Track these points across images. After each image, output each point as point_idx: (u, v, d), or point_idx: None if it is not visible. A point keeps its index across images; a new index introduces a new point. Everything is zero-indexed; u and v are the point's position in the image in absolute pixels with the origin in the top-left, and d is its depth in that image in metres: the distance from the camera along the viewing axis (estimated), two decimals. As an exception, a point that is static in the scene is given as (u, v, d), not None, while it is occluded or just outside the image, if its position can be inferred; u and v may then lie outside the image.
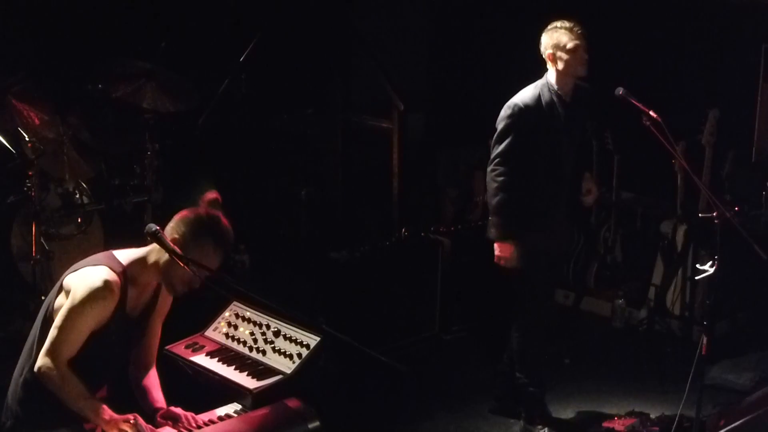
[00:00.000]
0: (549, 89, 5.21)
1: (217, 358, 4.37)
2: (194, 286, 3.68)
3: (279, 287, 7.09)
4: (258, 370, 4.25)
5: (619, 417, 5.45)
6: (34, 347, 3.66)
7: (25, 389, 3.69)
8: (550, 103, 5.20)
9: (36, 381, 3.60)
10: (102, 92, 6.77)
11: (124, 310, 3.67)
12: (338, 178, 8.26)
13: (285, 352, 4.32)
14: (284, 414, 3.77)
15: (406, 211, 7.66)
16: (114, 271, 3.61)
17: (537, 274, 5.37)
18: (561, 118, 5.21)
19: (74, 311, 3.55)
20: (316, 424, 3.75)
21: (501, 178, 5.19)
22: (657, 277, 6.97)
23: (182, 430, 3.71)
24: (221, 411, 3.90)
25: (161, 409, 3.82)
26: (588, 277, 7.35)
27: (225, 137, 7.98)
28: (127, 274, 3.65)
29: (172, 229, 3.64)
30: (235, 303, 4.63)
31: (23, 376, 3.69)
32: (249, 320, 4.53)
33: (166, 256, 3.62)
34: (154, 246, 3.65)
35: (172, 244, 3.58)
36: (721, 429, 4.90)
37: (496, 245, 5.31)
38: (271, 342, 4.39)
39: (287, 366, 4.25)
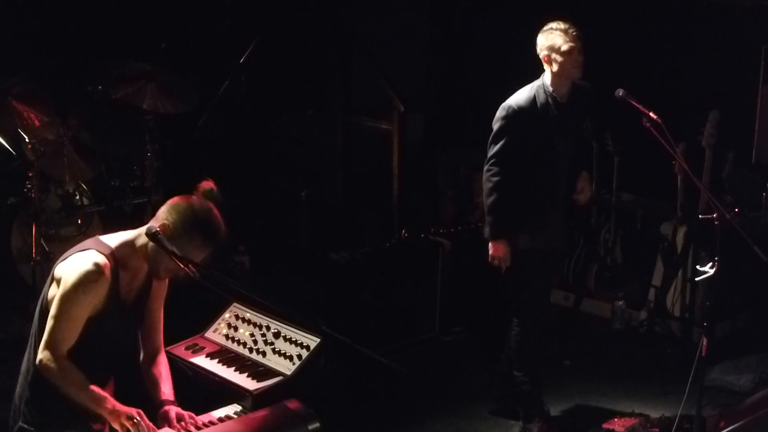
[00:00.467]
0: (544, 90, 5.23)
1: (217, 360, 4.37)
2: (178, 274, 3.63)
3: (279, 288, 7.09)
4: (258, 371, 4.25)
5: (620, 418, 5.45)
6: (35, 344, 3.64)
7: (31, 389, 3.67)
8: (545, 104, 5.22)
9: (41, 379, 3.58)
10: (102, 93, 6.77)
11: (118, 295, 3.64)
12: (338, 179, 8.26)
13: (285, 353, 4.32)
14: (284, 415, 3.76)
15: (406, 213, 7.66)
16: (102, 254, 3.58)
17: (534, 274, 5.38)
18: (555, 119, 5.23)
19: (67, 298, 3.53)
20: (316, 425, 3.74)
21: (495, 179, 5.23)
22: (657, 279, 6.97)
23: (182, 431, 3.70)
24: (221, 412, 3.90)
25: (167, 401, 3.77)
26: (588, 278, 7.35)
27: (225, 138, 7.98)
28: (116, 256, 3.61)
29: (162, 214, 3.59)
30: (235, 304, 4.62)
31: (29, 376, 3.68)
32: (249, 321, 4.53)
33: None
34: (142, 228, 3.62)
35: (162, 232, 3.54)
36: (721, 430, 4.90)
37: (490, 244, 5.35)
38: (271, 343, 4.39)
39: (287, 367, 4.25)
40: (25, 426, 3.68)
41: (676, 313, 6.83)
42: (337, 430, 4.11)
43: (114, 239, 3.68)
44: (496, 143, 5.25)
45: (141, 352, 3.91)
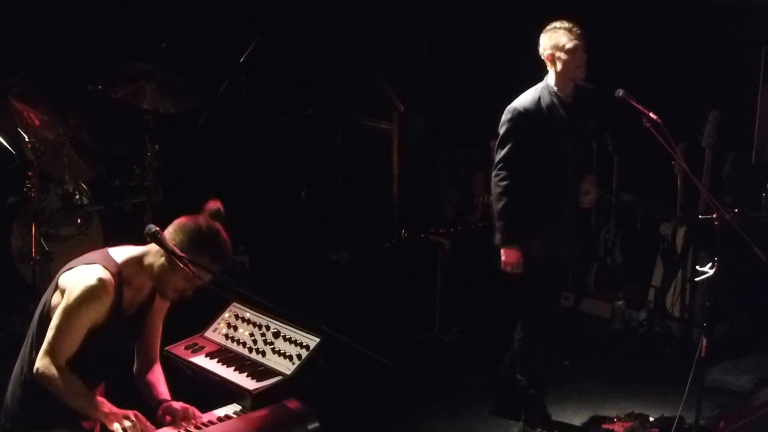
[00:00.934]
0: (549, 91, 5.19)
1: (216, 359, 4.37)
2: (186, 294, 3.65)
3: (278, 288, 7.08)
4: (257, 371, 4.25)
5: (619, 419, 5.46)
6: (33, 347, 3.64)
7: (24, 389, 3.68)
8: (551, 105, 5.18)
9: (35, 381, 3.59)
10: (102, 93, 6.77)
11: (120, 309, 3.65)
12: (338, 179, 8.26)
13: (285, 353, 4.32)
14: (284, 415, 3.76)
15: (405, 213, 7.66)
16: (109, 270, 3.59)
17: (542, 281, 5.33)
18: (563, 120, 5.19)
19: (70, 311, 3.54)
20: (316, 425, 3.74)
21: (504, 183, 5.17)
22: (657, 279, 6.97)
23: (182, 430, 3.70)
24: (221, 412, 3.90)
25: (165, 401, 3.79)
26: (588, 278, 7.35)
27: (225, 138, 7.98)
28: (123, 274, 3.62)
29: (169, 235, 3.60)
30: (234, 304, 4.62)
31: (22, 375, 3.69)
32: (249, 321, 4.53)
33: (161, 260, 3.59)
34: (152, 247, 3.63)
35: (166, 254, 3.56)
36: (721, 430, 4.90)
37: (502, 251, 5.27)
38: (271, 343, 4.39)
39: (287, 367, 4.25)
40: (17, 425, 3.69)
41: (676, 313, 6.84)
42: (337, 429, 4.11)
43: (122, 254, 3.68)
44: (503, 147, 5.19)
45: (135, 362, 3.93)
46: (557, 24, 5.16)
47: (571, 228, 5.39)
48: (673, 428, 5.09)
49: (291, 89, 8.23)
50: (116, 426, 3.52)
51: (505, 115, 5.20)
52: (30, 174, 6.24)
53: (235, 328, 4.53)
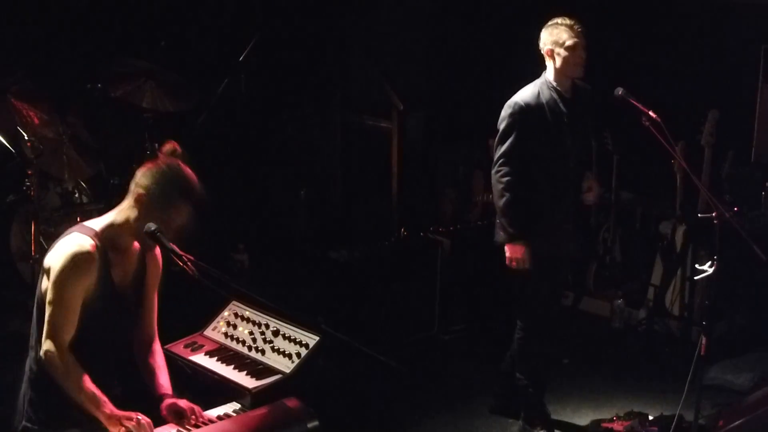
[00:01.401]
0: (548, 86, 5.18)
1: (216, 358, 4.37)
2: (167, 237, 3.59)
3: (278, 287, 7.09)
4: (257, 369, 4.25)
5: (618, 417, 5.45)
6: (36, 340, 3.63)
7: (34, 388, 3.66)
8: (551, 100, 5.16)
9: (43, 377, 3.57)
10: (101, 92, 6.77)
11: (112, 280, 3.61)
12: (337, 177, 8.26)
13: (284, 351, 4.32)
14: (283, 413, 3.76)
15: (405, 211, 7.67)
16: (86, 235, 3.57)
17: (543, 279, 5.30)
18: (563, 114, 5.17)
19: (59, 283, 3.51)
20: (315, 423, 3.74)
21: (506, 179, 5.14)
22: (656, 278, 6.97)
23: (182, 429, 3.70)
24: (220, 410, 3.90)
25: (166, 395, 3.76)
26: (587, 277, 7.36)
27: (224, 137, 7.99)
28: (102, 236, 3.59)
29: (135, 185, 3.58)
30: (234, 302, 4.62)
31: (31, 373, 3.67)
32: (248, 320, 4.53)
33: (135, 213, 3.57)
34: (122, 205, 3.62)
35: (139, 202, 3.54)
36: (720, 429, 4.90)
37: (506, 247, 5.23)
38: (270, 341, 4.39)
39: (286, 365, 4.25)
40: (29, 425, 3.67)
41: (675, 312, 6.84)
42: (336, 428, 4.11)
43: (97, 222, 3.66)
44: (504, 142, 5.16)
45: (134, 341, 3.89)
46: (559, 20, 5.15)
47: (571, 225, 5.36)
48: (672, 427, 5.08)
49: (290, 88, 8.23)
50: (124, 428, 3.51)
51: (505, 110, 5.17)
52: (29, 172, 6.25)
53: (235, 327, 4.53)
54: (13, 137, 6.36)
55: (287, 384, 4.14)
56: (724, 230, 4.60)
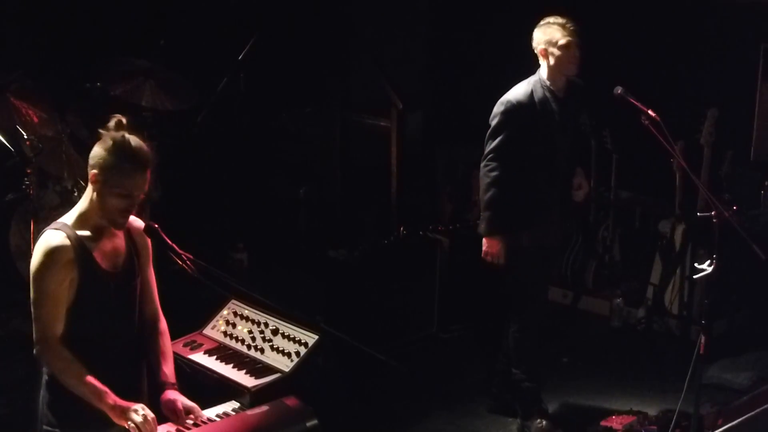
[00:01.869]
0: (541, 85, 5.22)
1: (215, 357, 4.37)
2: (131, 209, 3.59)
3: (277, 286, 7.08)
4: (256, 368, 4.25)
5: (618, 415, 5.45)
6: None
7: (49, 390, 3.64)
8: (543, 99, 5.20)
9: (56, 380, 3.56)
10: (101, 90, 6.76)
11: (96, 266, 3.58)
12: (337, 176, 8.26)
13: (283, 350, 4.32)
14: (282, 412, 3.76)
15: (404, 210, 7.67)
16: (55, 228, 3.57)
17: (531, 271, 5.38)
18: (555, 113, 5.22)
19: (36, 279, 3.51)
20: (314, 422, 3.74)
21: (493, 174, 5.22)
22: (655, 277, 6.97)
23: (181, 428, 3.69)
24: (219, 409, 3.90)
25: (167, 383, 3.71)
26: (586, 276, 7.36)
27: (223, 135, 7.98)
28: (74, 227, 3.58)
29: (89, 169, 3.58)
30: (233, 301, 4.63)
31: (44, 375, 3.65)
32: (247, 318, 4.53)
33: (94, 194, 3.56)
34: (85, 193, 3.62)
35: (94, 182, 3.54)
36: (719, 428, 4.90)
37: (484, 240, 5.35)
38: (270, 340, 4.39)
39: (285, 364, 4.25)
40: (49, 428, 3.65)
41: (675, 310, 6.84)
42: (336, 427, 4.11)
43: (68, 215, 3.64)
44: (494, 138, 5.23)
45: (137, 322, 3.83)
46: (551, 19, 5.18)
47: (557, 219, 5.45)
48: (671, 425, 5.08)
49: (290, 86, 8.23)
50: (128, 422, 3.49)
51: (497, 107, 5.23)
52: (28, 171, 6.24)
53: (234, 326, 4.53)
54: (13, 136, 6.35)
55: (286, 383, 4.15)
56: (724, 229, 4.60)
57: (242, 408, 3.93)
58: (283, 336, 4.38)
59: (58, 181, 6.53)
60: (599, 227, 7.36)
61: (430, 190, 8.42)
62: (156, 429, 3.52)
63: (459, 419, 5.73)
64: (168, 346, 3.85)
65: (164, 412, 3.66)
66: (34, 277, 3.53)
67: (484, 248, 5.35)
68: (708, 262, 4.61)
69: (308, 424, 3.73)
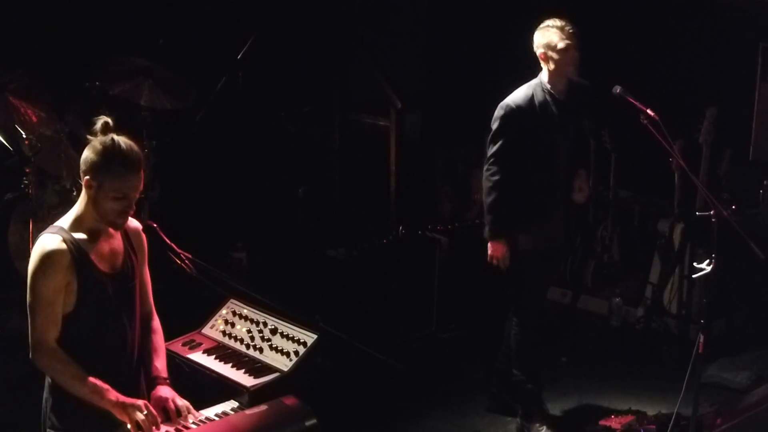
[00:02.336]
0: (542, 89, 5.23)
1: (214, 356, 4.37)
2: (128, 211, 3.57)
3: (276, 285, 7.08)
4: (255, 367, 4.25)
5: (616, 415, 5.46)
6: None
7: (52, 394, 3.64)
8: (544, 102, 5.21)
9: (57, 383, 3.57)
10: (100, 89, 6.76)
11: (95, 268, 3.57)
12: (336, 176, 8.25)
13: (282, 349, 4.32)
14: (281, 412, 3.76)
15: (403, 209, 7.66)
16: (50, 232, 3.56)
17: (532, 273, 5.38)
18: (555, 117, 5.23)
19: (32, 284, 3.51)
20: (313, 421, 3.74)
21: (495, 178, 5.22)
22: (654, 276, 6.97)
23: (181, 428, 3.68)
24: (218, 409, 3.89)
25: (159, 378, 3.71)
26: (585, 275, 7.35)
27: (222, 135, 7.98)
28: (70, 230, 3.57)
29: (83, 173, 3.56)
30: (232, 301, 4.62)
31: (48, 379, 3.65)
32: (246, 318, 4.53)
33: (89, 198, 3.55)
34: (80, 197, 3.61)
35: (88, 187, 3.53)
36: (718, 427, 4.90)
37: (489, 244, 5.35)
38: (268, 340, 4.39)
39: (284, 363, 4.25)
40: (53, 431, 3.66)
41: (673, 310, 6.84)
42: (334, 426, 4.11)
43: (64, 218, 3.64)
44: (495, 142, 5.24)
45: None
46: (549, 23, 5.18)
47: (559, 222, 5.46)
48: (670, 425, 5.09)
49: (289, 86, 8.23)
50: (132, 418, 3.48)
51: (498, 111, 5.24)
52: (27, 170, 6.24)
53: (233, 325, 4.53)
54: (11, 135, 6.35)
55: (285, 382, 4.15)
56: (722, 228, 4.60)
57: (241, 407, 3.92)
58: (282, 335, 4.38)
59: (57, 181, 6.53)
60: (598, 226, 7.36)
61: (429, 189, 8.42)
62: (159, 425, 3.52)
63: (458, 418, 5.73)
64: (160, 342, 3.84)
65: (154, 408, 3.64)
66: (30, 281, 3.52)
67: (489, 252, 5.34)
68: (707, 261, 4.61)
69: (307, 423, 3.73)
